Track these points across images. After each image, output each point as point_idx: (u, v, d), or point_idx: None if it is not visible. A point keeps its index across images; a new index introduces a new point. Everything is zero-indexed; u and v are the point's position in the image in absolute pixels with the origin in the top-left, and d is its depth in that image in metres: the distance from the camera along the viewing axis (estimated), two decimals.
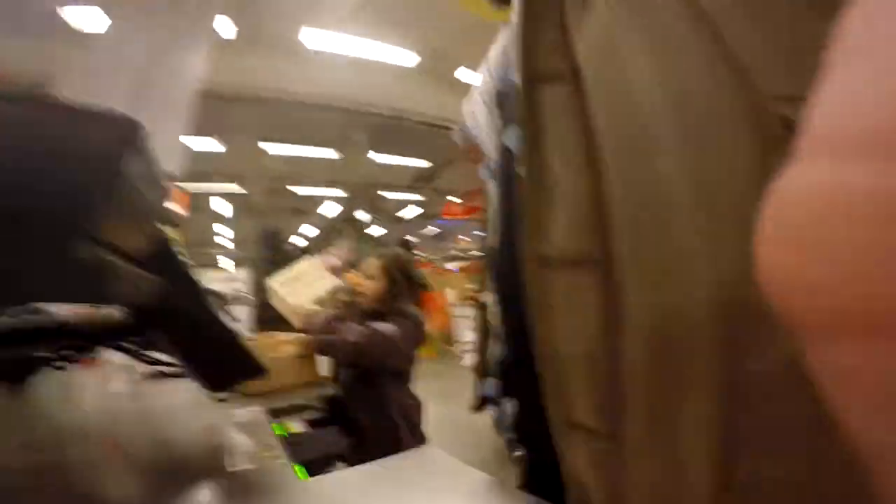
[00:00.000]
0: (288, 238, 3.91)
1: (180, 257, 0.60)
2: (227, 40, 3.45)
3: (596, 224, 0.34)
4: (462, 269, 11.15)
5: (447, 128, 5.53)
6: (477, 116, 0.56)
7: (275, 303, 1.49)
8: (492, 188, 0.56)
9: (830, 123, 0.09)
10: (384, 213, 11.33)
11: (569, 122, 0.37)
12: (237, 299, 4.11)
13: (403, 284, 1.42)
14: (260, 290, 4.09)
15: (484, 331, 0.61)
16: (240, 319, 2.65)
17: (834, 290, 0.08)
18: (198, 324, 0.62)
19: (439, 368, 5.38)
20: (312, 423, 1.28)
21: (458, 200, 10.25)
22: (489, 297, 0.58)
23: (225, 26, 3.32)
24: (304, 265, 1.57)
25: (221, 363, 0.69)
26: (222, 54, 3.55)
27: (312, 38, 3.76)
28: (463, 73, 4.48)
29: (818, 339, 0.09)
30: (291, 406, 1.27)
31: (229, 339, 0.68)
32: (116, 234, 0.42)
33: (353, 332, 1.27)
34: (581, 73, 0.36)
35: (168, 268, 0.56)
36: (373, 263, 1.43)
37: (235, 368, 0.73)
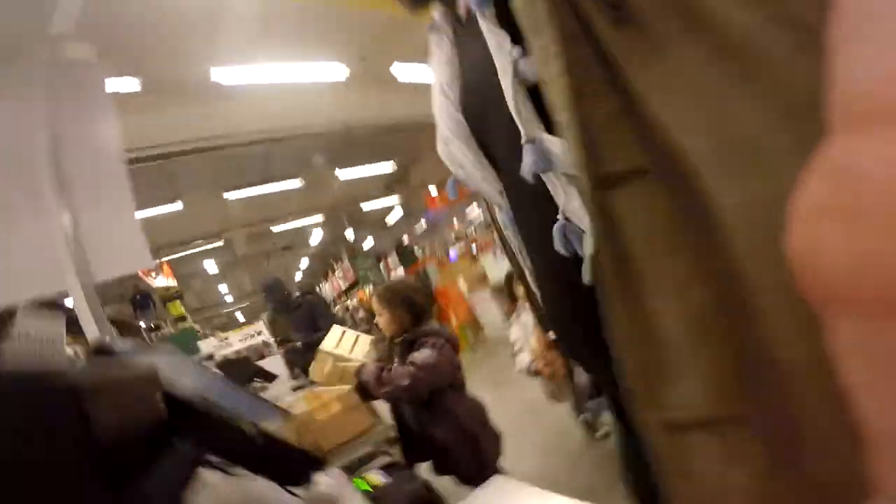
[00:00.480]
0: (287, 285, 3.88)
1: (202, 407, 0.59)
2: (136, 97, 3.35)
3: (748, 378, 0.26)
4: (462, 256, 11.10)
5: (400, 127, 5.45)
6: (458, 158, 0.46)
7: (324, 368, 1.57)
8: (509, 233, 0.47)
9: (878, 93, 0.08)
10: (370, 224, 11.27)
11: (671, 233, 0.27)
12: (267, 350, 4.10)
13: (408, 306, 1.50)
14: (283, 339, 4.08)
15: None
16: (277, 375, 2.62)
17: None
18: (249, 454, 0.64)
19: (476, 357, 5.49)
20: (388, 469, 1.33)
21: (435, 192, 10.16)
22: (553, 333, 0.52)
23: (126, 83, 3.22)
24: (337, 332, 1.71)
25: (283, 470, 0.70)
26: (136, 115, 3.46)
27: (228, 76, 3.64)
28: (396, 70, 4.38)
29: (868, 319, 0.08)
30: (361, 457, 1.30)
31: (279, 451, 0.68)
32: (123, 461, 0.39)
33: (401, 375, 1.37)
34: (682, 162, 0.26)
35: (193, 419, 0.56)
36: (374, 301, 1.56)
37: (299, 471, 0.74)
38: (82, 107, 1.79)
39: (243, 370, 2.44)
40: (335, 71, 4.10)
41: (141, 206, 5.33)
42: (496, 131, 0.40)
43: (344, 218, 9.80)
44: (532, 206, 0.40)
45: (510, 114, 0.34)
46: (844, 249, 0.09)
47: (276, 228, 8.44)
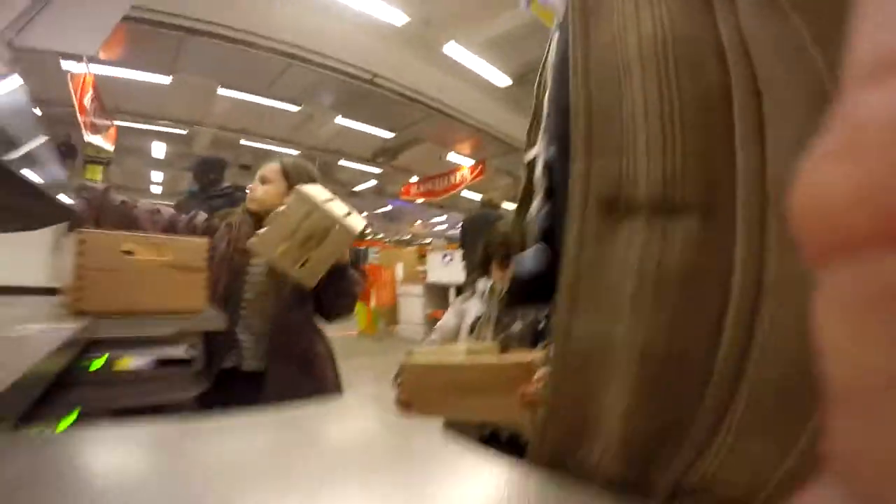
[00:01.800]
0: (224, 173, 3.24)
1: None
2: None
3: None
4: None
5: (423, 103, 5.53)
6: None
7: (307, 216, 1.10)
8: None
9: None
10: (338, 182, 11.07)
11: None
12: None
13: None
14: None
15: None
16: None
17: None
18: None
19: (377, 346, 5.32)
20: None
21: (415, 181, 10.25)
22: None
23: None
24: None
25: None
26: None
27: None
28: (451, 49, 4.46)
29: (859, 263, 0.08)
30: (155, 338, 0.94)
31: None
32: None
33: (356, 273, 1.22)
34: None
35: None
36: (271, 168, 1.25)
37: None
38: None
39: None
40: (392, 15, 4.04)
41: (134, 66, 4.99)
42: None
43: (316, 163, 9.59)
44: None
45: None
46: (845, 184, 0.08)
47: (246, 142, 8.12)
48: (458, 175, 9.00)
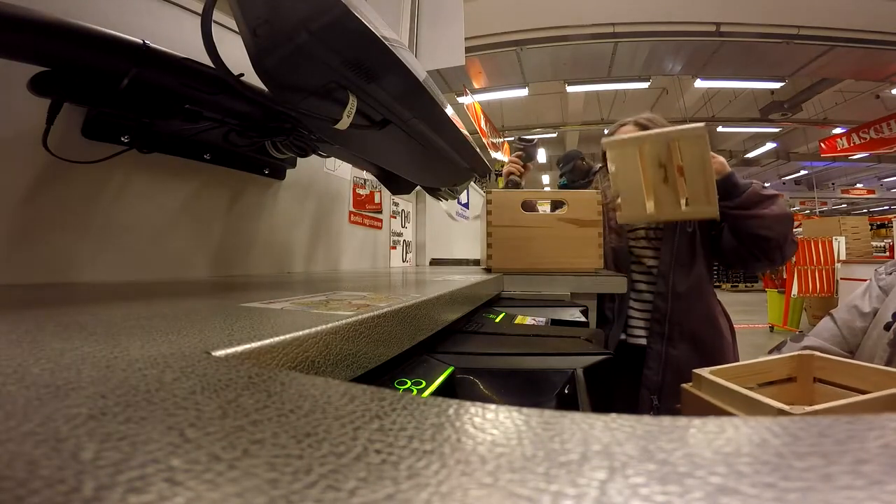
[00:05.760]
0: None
1: None
2: None
3: None
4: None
5: (794, 37, 4.23)
6: None
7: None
8: None
9: None
10: (724, 153, 9.74)
11: None
12: None
13: None
14: None
15: None
16: None
17: None
18: None
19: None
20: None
21: (840, 132, 7.73)
22: None
23: None
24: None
25: None
26: None
27: None
28: None
29: None
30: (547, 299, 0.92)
31: None
32: None
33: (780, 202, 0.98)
34: None
35: None
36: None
37: None
38: None
39: None
40: None
41: (497, 88, 6.23)
42: None
43: None
44: None
45: None
46: None
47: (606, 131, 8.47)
48: None
